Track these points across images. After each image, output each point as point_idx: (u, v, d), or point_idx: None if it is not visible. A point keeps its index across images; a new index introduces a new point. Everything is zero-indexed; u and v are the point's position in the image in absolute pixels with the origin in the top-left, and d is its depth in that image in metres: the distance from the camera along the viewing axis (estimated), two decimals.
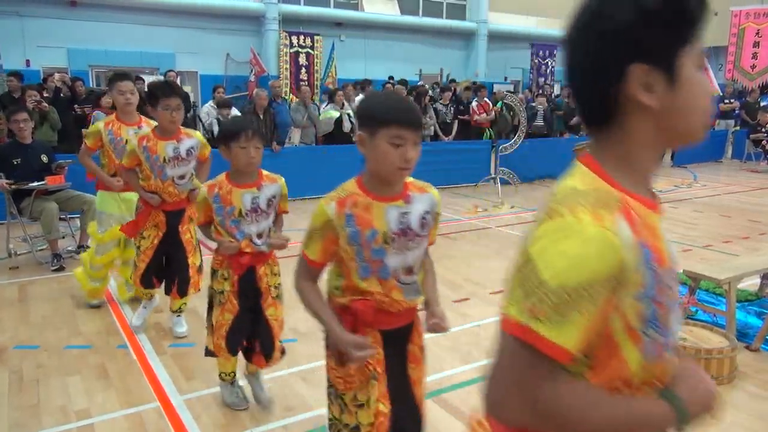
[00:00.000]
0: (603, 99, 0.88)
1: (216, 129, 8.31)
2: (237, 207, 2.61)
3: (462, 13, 18.76)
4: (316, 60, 14.92)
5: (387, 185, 1.70)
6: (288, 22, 15.16)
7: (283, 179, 2.76)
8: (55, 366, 3.38)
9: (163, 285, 3.74)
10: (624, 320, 0.85)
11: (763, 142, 12.16)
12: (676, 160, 12.52)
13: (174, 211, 3.54)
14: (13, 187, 5.16)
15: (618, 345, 0.87)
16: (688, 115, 0.89)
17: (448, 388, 3.09)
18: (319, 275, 1.81)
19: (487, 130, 10.37)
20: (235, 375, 2.95)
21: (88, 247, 5.53)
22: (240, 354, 2.87)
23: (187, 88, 11.21)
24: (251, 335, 2.79)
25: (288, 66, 14.56)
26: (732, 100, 13.58)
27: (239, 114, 8.76)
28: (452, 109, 10.13)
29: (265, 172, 2.70)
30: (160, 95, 3.27)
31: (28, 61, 12.87)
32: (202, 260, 3.73)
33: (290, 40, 14.55)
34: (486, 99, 10.62)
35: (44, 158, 5.41)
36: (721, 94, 13.72)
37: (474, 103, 10.38)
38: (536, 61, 16.97)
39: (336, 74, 14.49)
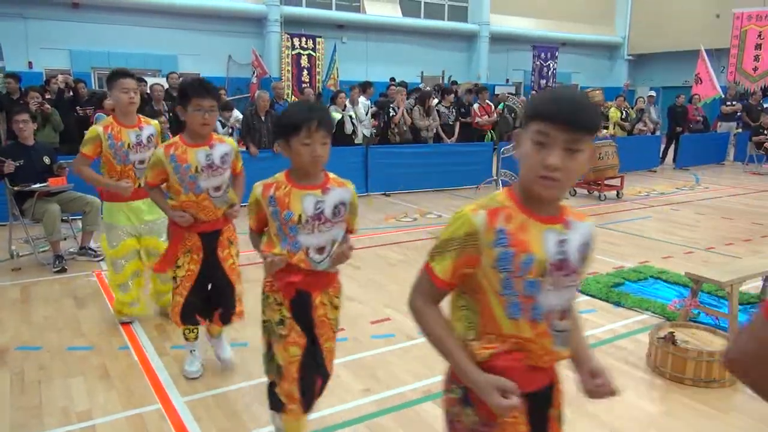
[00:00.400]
0: None
1: (221, 131, 8.32)
2: (296, 212, 2.12)
3: (463, 15, 18.77)
4: (317, 62, 14.94)
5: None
6: (290, 24, 15.20)
7: (353, 186, 2.24)
8: (56, 367, 3.38)
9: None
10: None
11: (766, 145, 12.14)
12: (679, 163, 12.51)
13: (209, 232, 3.05)
14: (15, 188, 5.17)
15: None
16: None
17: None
18: (443, 299, 1.44)
19: (488, 132, 10.37)
20: None
21: (90, 248, 5.56)
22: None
23: None
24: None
25: (290, 68, 14.58)
26: (734, 103, 13.57)
27: (240, 115, 8.77)
28: (454, 111, 10.13)
29: (332, 175, 2.21)
30: (192, 94, 2.85)
31: (30, 63, 12.91)
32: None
33: (292, 42, 14.58)
34: (488, 101, 10.62)
35: (46, 160, 5.43)
36: (723, 96, 13.70)
37: (475, 105, 10.38)
38: (538, 63, 16.98)
39: (338, 76, 14.50)
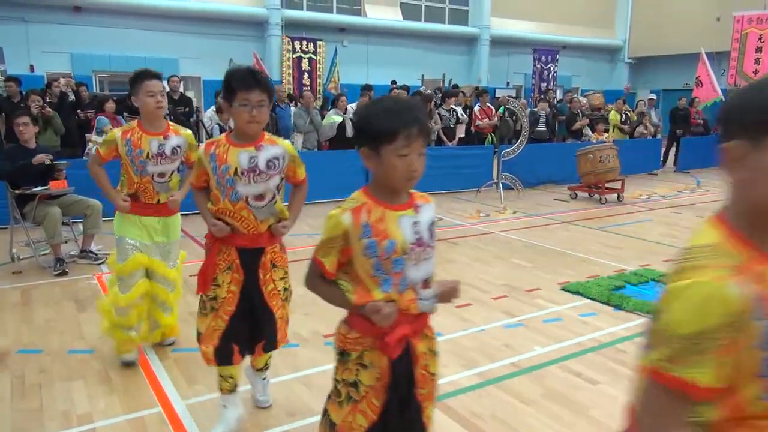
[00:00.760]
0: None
1: (217, 135, 8.33)
2: (398, 239, 1.61)
3: (464, 18, 18.81)
4: (318, 65, 14.96)
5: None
6: (291, 27, 15.23)
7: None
8: (57, 370, 3.38)
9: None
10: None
11: None
12: (679, 166, 12.51)
13: (249, 249, 2.58)
14: (16, 192, 5.18)
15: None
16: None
17: (450, 394, 3.08)
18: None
19: (489, 135, 10.38)
20: None
21: (90, 251, 5.55)
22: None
23: (189, 94, 11.26)
24: None
25: (291, 71, 14.61)
26: None
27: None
28: (455, 114, 10.14)
29: (417, 193, 1.74)
30: (238, 87, 2.40)
31: (32, 67, 12.94)
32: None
33: (293, 45, 14.61)
34: (488, 104, 10.63)
35: (48, 163, 5.42)
36: (724, 99, 13.70)
37: (476, 108, 10.39)
38: (538, 66, 17.00)
39: (339, 79, 14.53)
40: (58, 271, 5.15)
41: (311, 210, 8.12)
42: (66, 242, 5.55)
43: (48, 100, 7.87)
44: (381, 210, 1.61)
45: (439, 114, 9.75)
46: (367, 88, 9.81)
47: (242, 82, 2.40)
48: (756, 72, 14.32)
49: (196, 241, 5.91)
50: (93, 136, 7.83)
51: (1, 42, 10.63)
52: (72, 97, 8.63)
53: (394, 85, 12.50)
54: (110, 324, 3.40)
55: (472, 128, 10.40)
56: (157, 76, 3.26)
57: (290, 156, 2.60)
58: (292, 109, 9.39)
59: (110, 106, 8.03)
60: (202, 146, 2.60)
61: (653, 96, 14.07)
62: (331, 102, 9.89)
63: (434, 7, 18.39)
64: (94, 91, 12.06)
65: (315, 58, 14.91)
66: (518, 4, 19.30)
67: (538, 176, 10.26)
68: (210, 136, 8.26)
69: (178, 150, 3.35)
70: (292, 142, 8.35)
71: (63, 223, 5.34)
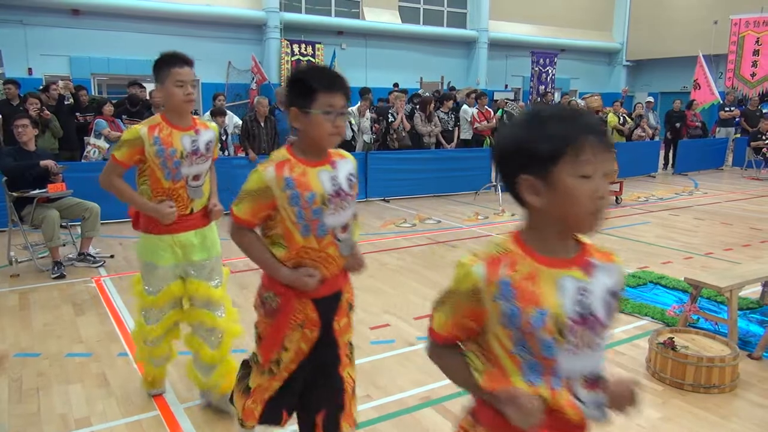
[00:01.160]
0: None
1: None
2: (553, 311, 1.15)
3: (462, 21, 18.83)
4: None
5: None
6: (289, 30, 15.24)
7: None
8: (55, 374, 3.38)
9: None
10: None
11: (764, 150, 12.16)
12: (677, 168, 12.53)
13: (329, 297, 2.03)
14: (15, 195, 5.18)
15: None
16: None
17: (449, 396, 3.08)
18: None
19: (487, 137, 10.39)
20: None
21: (89, 255, 5.55)
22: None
23: None
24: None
25: (289, 74, 14.63)
26: (732, 108, 13.61)
27: (239, 121, 8.77)
28: (453, 116, 10.15)
29: (596, 247, 1.30)
30: (320, 88, 1.83)
31: (30, 70, 12.93)
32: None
33: (291, 48, 14.63)
34: (487, 107, 10.64)
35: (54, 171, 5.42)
36: (722, 101, 13.74)
37: (474, 111, 10.40)
38: (537, 69, 17.02)
39: None
40: (56, 275, 5.14)
41: None
42: (64, 245, 5.55)
43: (46, 104, 7.86)
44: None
45: (437, 117, 9.75)
46: (365, 91, 9.81)
47: (326, 82, 1.84)
48: (753, 75, 14.35)
49: None
50: (91, 139, 7.83)
51: (0, 45, 10.64)
52: (70, 99, 8.62)
53: (396, 88, 12.51)
54: (142, 354, 2.96)
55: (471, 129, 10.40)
56: (188, 62, 2.65)
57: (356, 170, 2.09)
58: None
59: (108, 109, 8.03)
60: (269, 168, 1.86)
61: (651, 99, 14.10)
62: None
63: (433, 10, 18.42)
64: (93, 94, 12.04)
65: (314, 61, 14.93)
66: (516, 7, 19.34)
67: None
68: None
69: (211, 145, 2.85)
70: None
71: (61, 226, 5.34)
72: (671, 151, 12.89)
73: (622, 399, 1.23)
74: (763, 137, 12.20)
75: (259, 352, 2.10)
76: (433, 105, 9.81)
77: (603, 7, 21.36)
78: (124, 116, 8.30)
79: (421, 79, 16.66)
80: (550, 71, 17.28)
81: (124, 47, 13.70)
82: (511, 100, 12.21)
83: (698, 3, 19.26)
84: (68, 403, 3.04)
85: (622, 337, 3.92)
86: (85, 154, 7.87)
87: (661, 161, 12.76)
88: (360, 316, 4.20)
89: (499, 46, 18.81)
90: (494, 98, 14.48)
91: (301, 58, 14.75)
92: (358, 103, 9.41)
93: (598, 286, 1.18)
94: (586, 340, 1.15)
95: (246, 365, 2.23)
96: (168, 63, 2.61)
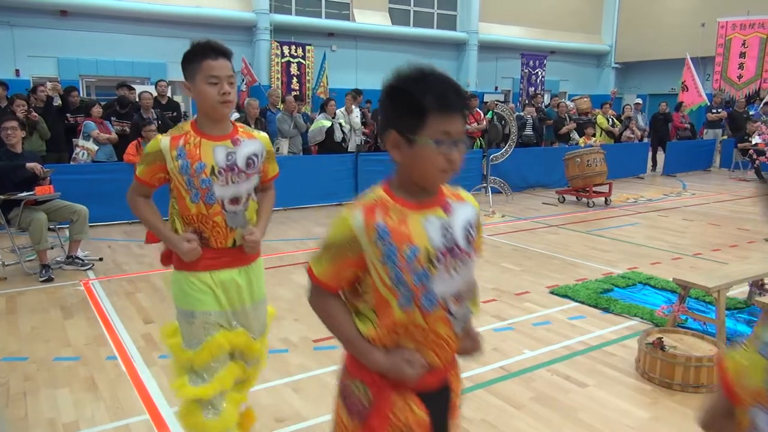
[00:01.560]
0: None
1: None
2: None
3: (452, 23, 18.89)
4: (307, 70, 14.96)
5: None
6: (280, 32, 15.21)
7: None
8: (43, 378, 3.34)
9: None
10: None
11: (751, 151, 12.29)
12: (666, 170, 12.63)
13: (438, 391, 1.48)
14: (1, 197, 5.13)
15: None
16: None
17: None
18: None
19: (478, 139, 10.43)
20: None
21: (77, 257, 5.50)
22: None
23: (177, 98, 11.21)
24: None
25: (279, 76, 14.59)
26: (720, 110, 13.74)
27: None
28: None
29: None
30: (438, 108, 1.32)
31: (17, 71, 12.82)
32: None
33: (282, 50, 14.59)
34: (477, 108, 10.68)
35: (41, 175, 5.37)
36: (709, 103, 13.87)
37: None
38: (526, 71, 17.09)
39: (327, 84, 14.54)
40: (44, 278, 5.09)
41: (297, 215, 8.11)
42: (52, 248, 5.49)
43: (34, 105, 7.80)
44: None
45: None
46: (356, 93, 9.82)
47: (445, 103, 1.31)
48: (740, 77, 14.51)
49: None
50: (80, 141, 7.77)
51: None
52: (58, 101, 8.55)
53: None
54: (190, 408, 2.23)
55: None
56: (224, 53, 2.10)
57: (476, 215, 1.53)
58: (277, 114, 9.37)
59: (97, 110, 7.98)
60: (357, 214, 1.36)
61: (639, 101, 14.21)
62: (320, 106, 9.89)
63: (423, 12, 18.46)
64: (81, 95, 11.96)
65: (304, 62, 14.90)
66: (506, 9, 19.43)
67: (526, 180, 10.31)
68: None
69: (255, 160, 2.20)
70: (277, 149, 8.33)
71: (49, 229, 5.29)
72: (657, 153, 12.99)
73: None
74: (750, 139, 12.32)
75: None
76: None
77: (592, 9, 21.52)
78: (113, 118, 8.25)
79: None
80: (539, 73, 17.36)
81: (113, 49, 13.61)
82: (501, 102, 12.26)
83: (686, 6, 19.45)
84: (56, 408, 3.02)
85: (612, 337, 3.94)
86: (73, 155, 7.81)
87: (650, 163, 12.87)
88: None
89: (489, 48, 18.88)
90: (484, 100, 14.54)
91: (292, 59, 14.72)
92: (344, 105, 9.39)
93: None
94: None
95: None
96: (198, 54, 2.06)
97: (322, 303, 1.43)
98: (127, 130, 8.11)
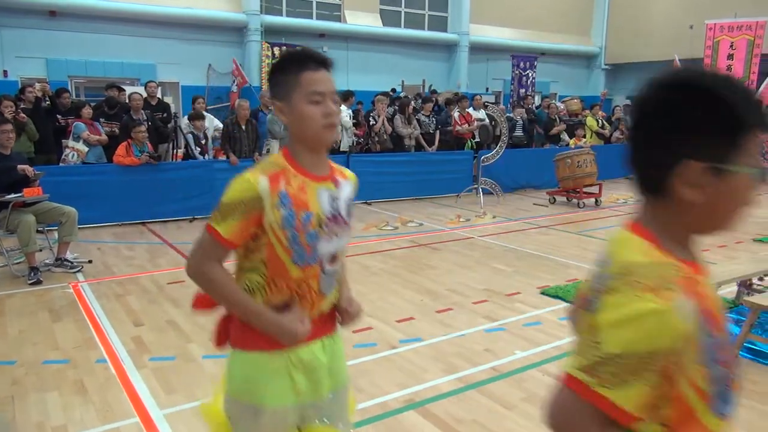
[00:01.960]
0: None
1: (191, 142, 8.23)
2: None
3: (443, 24, 18.93)
4: None
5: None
6: (270, 33, 15.17)
7: None
8: (31, 382, 3.31)
9: None
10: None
11: None
12: None
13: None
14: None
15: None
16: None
17: (431, 399, 3.09)
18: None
19: (468, 140, 10.45)
20: None
21: (66, 260, 5.46)
22: None
23: (168, 99, 11.16)
24: None
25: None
26: None
27: (219, 125, 8.70)
28: (434, 119, 10.19)
29: None
30: (756, 123, 0.92)
31: (5, 72, 12.71)
32: None
33: (272, 51, 14.56)
34: (468, 110, 10.70)
35: (32, 177, 5.32)
36: None
37: (456, 114, 10.45)
38: (517, 72, 17.16)
39: None
40: (33, 280, 5.05)
41: None
42: (41, 250, 5.44)
43: (22, 106, 7.73)
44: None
45: (418, 120, 9.79)
46: (348, 94, 9.81)
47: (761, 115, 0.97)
48: None
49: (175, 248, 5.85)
50: (70, 142, 7.71)
51: None
52: (47, 102, 8.48)
53: (393, 93, 12.49)
54: None
55: (453, 133, 10.43)
56: (325, 64, 1.59)
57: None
58: (268, 115, 9.36)
59: (87, 111, 7.92)
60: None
61: (629, 102, 14.30)
62: None
63: (414, 13, 18.48)
64: (71, 96, 11.87)
65: None
66: (497, 11, 19.50)
67: (517, 181, 10.35)
68: (187, 143, 8.19)
69: (353, 207, 1.75)
70: (268, 150, 8.30)
71: (38, 231, 5.24)
72: None
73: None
74: None
75: None
76: (412, 107, 9.84)
77: (582, 11, 21.64)
78: (101, 119, 8.19)
79: (403, 82, 16.70)
80: (530, 74, 17.43)
81: (102, 49, 13.52)
82: (492, 103, 12.30)
83: (675, 8, 19.62)
84: (45, 411, 2.99)
85: None
86: (63, 157, 7.75)
87: None
88: None
89: (479, 49, 18.94)
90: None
91: None
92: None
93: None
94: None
95: None
96: (296, 64, 1.54)
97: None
98: (117, 131, 8.06)
